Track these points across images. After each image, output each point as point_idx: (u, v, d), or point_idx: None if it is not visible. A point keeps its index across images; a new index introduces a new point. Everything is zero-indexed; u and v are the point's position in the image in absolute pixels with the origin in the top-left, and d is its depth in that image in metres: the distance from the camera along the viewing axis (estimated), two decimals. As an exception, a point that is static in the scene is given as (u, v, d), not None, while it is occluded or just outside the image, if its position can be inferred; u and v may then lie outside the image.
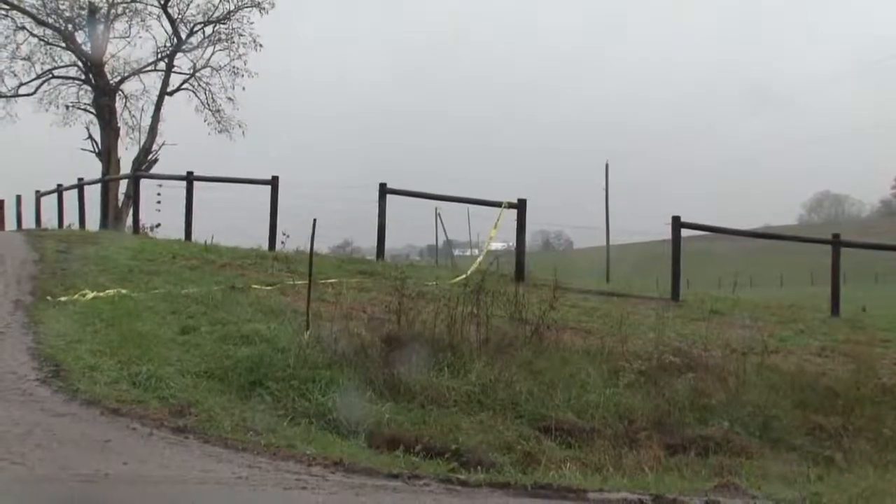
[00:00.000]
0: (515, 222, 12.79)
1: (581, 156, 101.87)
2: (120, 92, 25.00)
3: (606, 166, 42.89)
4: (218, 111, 25.09)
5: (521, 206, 12.76)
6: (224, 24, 24.47)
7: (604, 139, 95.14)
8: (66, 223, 19.87)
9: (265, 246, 14.06)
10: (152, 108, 24.94)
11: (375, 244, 13.82)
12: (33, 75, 24.29)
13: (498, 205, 13.08)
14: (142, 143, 24.79)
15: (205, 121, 25.17)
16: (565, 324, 8.15)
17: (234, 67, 24.77)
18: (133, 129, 25.13)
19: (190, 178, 15.77)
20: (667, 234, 12.60)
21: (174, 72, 25.21)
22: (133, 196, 18.93)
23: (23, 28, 23.84)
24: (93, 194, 20.70)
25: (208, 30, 24.69)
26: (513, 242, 14.36)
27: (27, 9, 23.72)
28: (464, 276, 10.17)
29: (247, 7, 24.32)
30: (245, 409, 5.27)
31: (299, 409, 5.39)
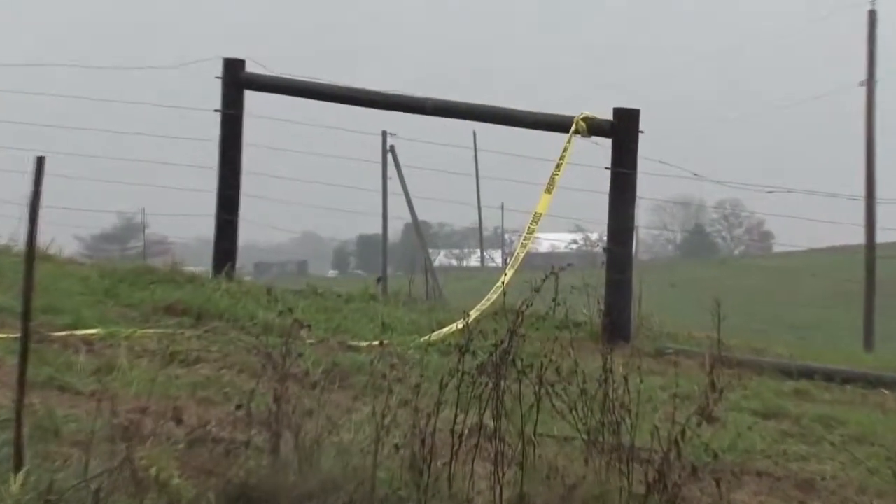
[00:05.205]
0: (609, 177, 10.60)
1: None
2: None
3: (871, 16, 36.35)
4: None
5: (622, 126, 10.66)
6: None
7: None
8: None
9: None
10: None
11: (213, 234, 11.76)
12: None
13: (561, 126, 10.91)
14: None
15: None
16: (744, 461, 7.33)
17: None
18: None
19: None
20: None
21: None
22: None
23: None
24: None
25: None
26: (601, 233, 11.90)
27: None
28: (460, 322, 7.95)
29: None
30: None
31: None
